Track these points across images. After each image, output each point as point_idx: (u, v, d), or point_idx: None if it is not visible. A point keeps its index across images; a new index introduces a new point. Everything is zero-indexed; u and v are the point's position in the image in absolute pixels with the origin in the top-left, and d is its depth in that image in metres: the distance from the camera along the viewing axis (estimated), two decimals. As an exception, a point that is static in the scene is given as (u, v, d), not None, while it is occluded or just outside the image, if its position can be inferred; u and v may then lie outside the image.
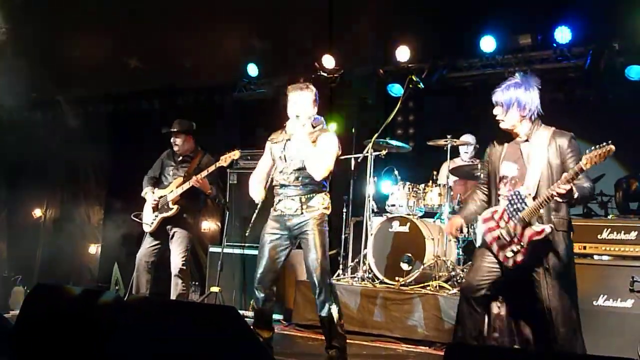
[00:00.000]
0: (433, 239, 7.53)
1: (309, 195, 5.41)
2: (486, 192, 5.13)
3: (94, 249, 11.52)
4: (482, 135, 8.65)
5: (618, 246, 6.18)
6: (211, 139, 9.30)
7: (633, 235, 6.15)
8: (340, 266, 8.25)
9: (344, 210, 8.67)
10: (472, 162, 8.41)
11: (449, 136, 7.85)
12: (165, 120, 10.85)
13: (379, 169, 8.43)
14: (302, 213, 5.38)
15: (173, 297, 7.10)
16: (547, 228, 4.58)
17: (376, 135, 7.85)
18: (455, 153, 8.52)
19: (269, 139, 5.71)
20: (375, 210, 8.24)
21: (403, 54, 9.20)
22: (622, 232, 6.16)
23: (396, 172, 8.25)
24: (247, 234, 5.84)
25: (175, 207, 7.11)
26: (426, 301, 6.82)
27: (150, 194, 7.29)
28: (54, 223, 11.94)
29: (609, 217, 7.24)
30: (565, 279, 4.65)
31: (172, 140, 7.38)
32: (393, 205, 8.07)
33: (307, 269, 5.40)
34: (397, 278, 7.42)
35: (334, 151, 5.42)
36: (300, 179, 5.40)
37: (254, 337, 3.40)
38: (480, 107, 9.13)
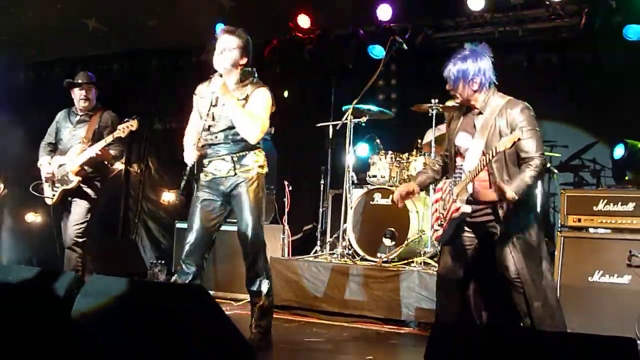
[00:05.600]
0: (417, 212, 7.56)
1: (241, 154, 5.27)
2: (441, 163, 5.31)
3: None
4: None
5: (615, 218, 6.22)
6: (176, 104, 9.26)
7: (631, 206, 6.18)
8: (318, 242, 8.28)
9: (322, 182, 8.68)
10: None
11: (434, 101, 7.81)
12: (127, 86, 10.86)
13: (359, 137, 8.42)
14: (235, 174, 5.25)
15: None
16: (464, 207, 4.76)
17: (356, 100, 7.82)
18: (441, 119, 8.51)
19: (194, 92, 5.52)
20: (356, 181, 8.24)
21: (385, 12, 9.15)
22: (619, 203, 6.19)
23: (378, 141, 8.25)
24: (180, 201, 5.73)
25: (77, 179, 6.97)
26: (410, 279, 6.85)
27: (46, 165, 7.13)
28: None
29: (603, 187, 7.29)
30: (530, 252, 4.79)
31: (80, 95, 7.19)
32: (374, 176, 8.07)
33: (239, 237, 5.26)
34: (379, 254, 7.46)
35: (267, 109, 5.27)
36: (230, 137, 5.25)
37: (223, 316, 3.40)
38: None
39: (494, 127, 4.79)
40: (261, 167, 5.35)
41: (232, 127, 5.21)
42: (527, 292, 4.75)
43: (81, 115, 7.23)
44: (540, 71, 9.07)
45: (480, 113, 4.91)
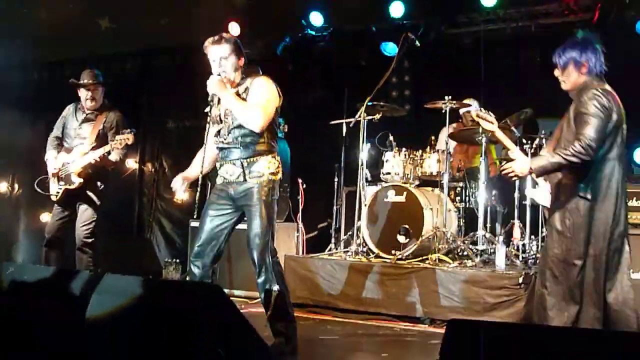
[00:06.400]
0: (432, 209, 7.55)
1: (252, 159, 5.17)
2: None
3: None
4: (484, 96, 8.67)
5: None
6: (189, 103, 9.28)
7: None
8: (333, 239, 8.29)
9: (336, 179, 8.68)
10: (473, 126, 8.41)
11: (447, 98, 7.78)
12: (141, 85, 10.85)
13: (373, 135, 8.41)
14: (245, 180, 5.17)
15: None
16: None
17: (369, 98, 7.80)
18: (455, 116, 8.50)
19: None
20: (369, 179, 8.24)
21: (397, 9, 9.15)
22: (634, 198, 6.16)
23: (391, 138, 8.23)
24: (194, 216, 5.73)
25: (79, 180, 7.04)
26: (425, 276, 6.85)
27: (52, 160, 7.19)
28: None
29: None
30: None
31: (86, 95, 7.20)
32: (388, 174, 8.06)
33: (248, 244, 5.15)
34: (393, 251, 7.45)
35: (269, 95, 5.17)
36: (239, 138, 5.15)
37: (240, 316, 3.41)
38: (482, 66, 9.19)
39: (568, 113, 4.86)
40: (273, 173, 5.21)
41: (240, 126, 5.13)
42: None
43: (87, 114, 7.26)
44: (553, 67, 9.02)
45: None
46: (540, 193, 5.14)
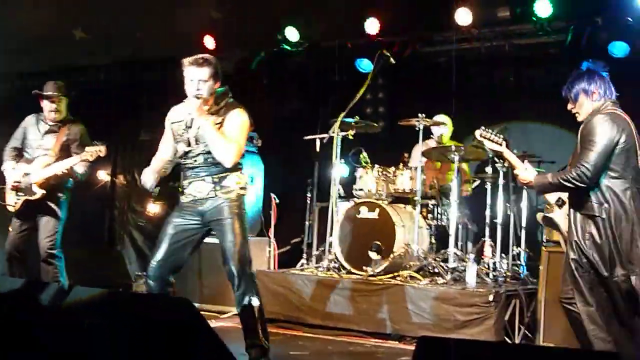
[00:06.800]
0: (404, 226, 7.56)
1: (222, 175, 5.19)
2: None
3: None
4: (458, 115, 8.72)
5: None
6: (163, 115, 9.24)
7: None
8: (304, 255, 8.28)
9: (308, 194, 8.67)
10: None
11: (421, 115, 7.82)
12: (113, 97, 10.76)
13: (346, 151, 8.42)
14: (215, 195, 5.16)
15: None
16: None
17: (343, 114, 7.82)
18: (428, 134, 8.53)
19: (167, 117, 5.45)
20: (342, 195, 8.24)
21: (372, 26, 9.15)
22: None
23: (364, 154, 8.25)
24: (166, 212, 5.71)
25: (41, 191, 6.95)
26: (396, 292, 6.86)
27: (10, 170, 7.09)
28: None
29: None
30: None
31: (50, 107, 7.12)
32: (361, 190, 8.08)
33: (224, 257, 5.12)
34: (365, 268, 7.44)
35: (243, 131, 5.24)
36: (209, 159, 5.17)
37: (209, 330, 3.39)
38: (456, 85, 9.25)
39: (577, 138, 4.92)
40: (242, 188, 5.26)
41: (210, 152, 5.15)
42: None
43: (50, 126, 7.18)
44: (527, 86, 9.11)
45: None
46: (558, 219, 5.22)
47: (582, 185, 4.69)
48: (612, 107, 4.86)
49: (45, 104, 7.16)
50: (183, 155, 5.27)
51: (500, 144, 5.31)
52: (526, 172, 5.08)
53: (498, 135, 5.35)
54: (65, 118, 7.25)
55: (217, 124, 5.15)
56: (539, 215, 5.76)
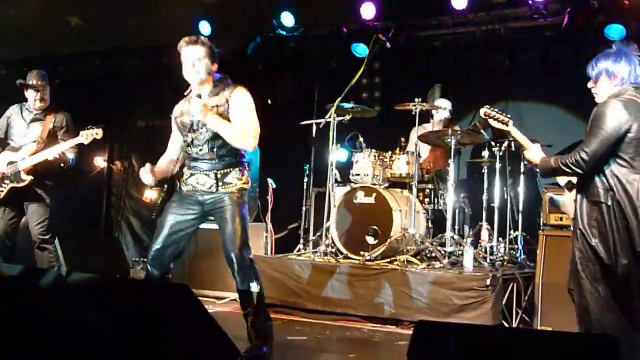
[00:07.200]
0: (400, 211, 7.57)
1: (225, 170, 5.19)
2: None
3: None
4: (453, 98, 8.72)
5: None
6: (158, 102, 9.23)
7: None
8: (301, 240, 8.29)
9: (305, 180, 8.67)
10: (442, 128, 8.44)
11: (417, 100, 7.81)
12: (110, 84, 10.74)
13: (343, 136, 8.42)
14: (216, 190, 5.18)
15: None
16: None
17: (339, 99, 7.83)
18: (425, 118, 8.52)
19: (172, 115, 5.43)
20: (339, 180, 8.25)
21: (368, 10, 9.13)
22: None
23: (361, 139, 8.24)
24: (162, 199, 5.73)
25: (29, 178, 6.95)
26: (393, 277, 6.87)
27: None
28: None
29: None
30: None
31: (34, 96, 7.13)
32: (358, 175, 8.07)
33: (225, 243, 5.12)
34: (362, 253, 7.46)
35: (252, 110, 5.21)
36: (215, 150, 5.16)
37: (207, 315, 3.40)
38: (452, 69, 9.24)
39: None
40: (245, 183, 5.26)
41: (215, 137, 5.12)
42: None
43: (35, 114, 7.20)
44: (522, 70, 9.10)
45: None
46: (567, 202, 5.15)
47: (580, 171, 4.57)
48: (631, 93, 4.64)
49: (30, 93, 7.18)
50: (188, 144, 5.23)
51: (507, 123, 5.11)
52: (532, 152, 4.95)
53: (504, 113, 5.18)
54: (50, 106, 7.26)
55: (220, 106, 5.13)
56: (546, 196, 5.72)
